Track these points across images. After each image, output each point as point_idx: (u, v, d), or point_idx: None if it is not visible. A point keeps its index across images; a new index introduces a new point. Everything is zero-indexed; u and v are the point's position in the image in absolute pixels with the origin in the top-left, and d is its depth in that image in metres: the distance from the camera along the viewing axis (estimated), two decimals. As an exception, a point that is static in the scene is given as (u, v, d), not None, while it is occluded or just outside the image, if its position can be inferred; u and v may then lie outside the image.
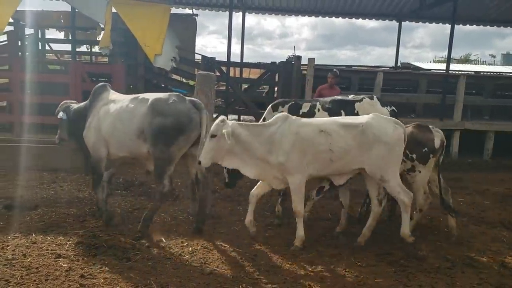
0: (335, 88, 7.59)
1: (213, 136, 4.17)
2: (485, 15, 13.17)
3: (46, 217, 5.11)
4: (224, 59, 11.01)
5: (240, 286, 3.65)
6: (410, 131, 4.83)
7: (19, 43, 10.69)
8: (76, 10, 11.10)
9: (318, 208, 5.90)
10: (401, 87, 12.11)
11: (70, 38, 12.66)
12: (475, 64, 28.24)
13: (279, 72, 9.93)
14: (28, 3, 11.66)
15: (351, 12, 13.89)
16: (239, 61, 12.16)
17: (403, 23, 13.61)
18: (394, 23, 13.82)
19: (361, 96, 5.82)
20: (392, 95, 10.21)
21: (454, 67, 17.35)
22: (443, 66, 16.80)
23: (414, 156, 4.78)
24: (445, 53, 13.27)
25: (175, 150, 4.57)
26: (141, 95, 4.88)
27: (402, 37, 13.68)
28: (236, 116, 11.05)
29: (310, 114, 5.49)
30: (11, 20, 9.48)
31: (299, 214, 4.43)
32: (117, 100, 4.93)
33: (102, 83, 5.32)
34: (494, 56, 33.86)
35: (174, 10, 10.70)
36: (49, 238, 4.49)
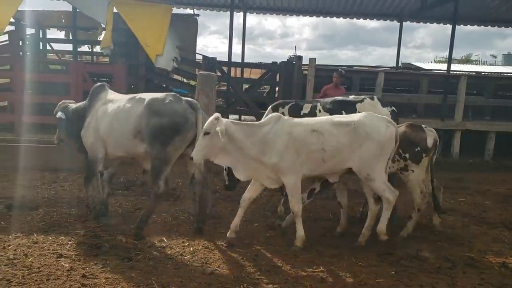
0: (340, 88, 7.56)
1: (206, 133, 4.14)
2: (486, 15, 13.15)
3: (48, 217, 5.12)
4: (225, 59, 11.01)
5: (241, 286, 3.65)
6: (403, 131, 4.85)
7: (20, 43, 10.72)
8: (77, 10, 11.12)
9: (318, 208, 5.90)
10: (402, 88, 12.11)
11: (71, 38, 12.69)
12: (476, 64, 28.26)
13: (280, 72, 9.93)
14: (29, 3, 11.70)
15: (352, 12, 13.88)
16: (240, 61, 12.15)
17: (404, 23, 13.58)
18: (395, 23, 13.80)
19: (362, 97, 5.81)
20: (393, 96, 10.22)
21: (455, 67, 17.38)
22: (444, 66, 16.84)
23: (407, 155, 4.81)
24: (446, 54, 13.26)
25: (171, 150, 4.58)
26: (138, 95, 4.90)
27: (403, 37, 13.66)
28: (237, 116, 11.06)
29: (311, 115, 5.47)
30: (12, 20, 9.51)
31: (297, 214, 4.43)
32: (115, 100, 4.94)
33: (100, 83, 5.33)
34: (495, 57, 33.93)
35: (175, 10, 10.71)
36: (50, 238, 4.50)
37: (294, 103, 5.74)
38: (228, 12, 11.43)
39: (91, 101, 5.10)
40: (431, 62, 27.88)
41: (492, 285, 3.88)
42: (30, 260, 3.95)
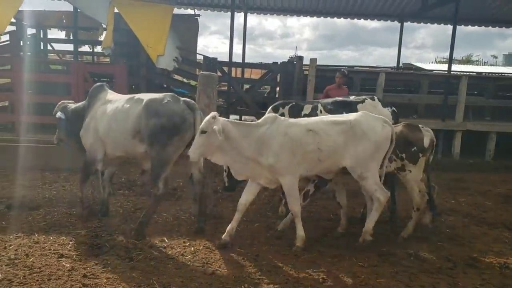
0: (342, 88, 7.53)
1: (203, 132, 4.14)
2: (487, 16, 13.14)
3: (49, 217, 5.13)
4: (226, 59, 10.99)
5: (242, 286, 3.66)
6: (400, 131, 4.85)
7: (21, 43, 10.72)
8: (78, 10, 11.11)
9: (319, 208, 5.91)
10: (403, 88, 12.11)
11: (72, 38, 12.69)
12: (477, 64, 28.22)
13: (281, 73, 9.91)
14: (30, 3, 11.72)
15: (353, 13, 13.87)
16: (240, 61, 12.14)
17: (405, 23, 13.58)
18: (396, 24, 13.80)
19: (363, 97, 5.82)
20: (394, 96, 10.21)
21: (456, 67, 17.34)
22: (445, 66, 16.81)
23: (404, 155, 4.81)
24: (447, 54, 13.24)
25: (170, 150, 4.58)
26: (137, 96, 4.90)
27: (404, 38, 13.65)
28: (237, 116, 11.05)
29: (312, 115, 5.47)
30: (13, 20, 9.50)
31: (296, 214, 4.44)
32: (114, 100, 4.95)
33: (100, 83, 5.34)
34: (496, 57, 33.86)
35: (176, 11, 10.70)
36: (51, 238, 4.50)
37: (294, 103, 5.74)
38: (229, 13, 11.42)
39: (90, 101, 5.11)
40: (432, 62, 27.86)
41: (493, 285, 3.88)
42: (31, 260, 3.96)
